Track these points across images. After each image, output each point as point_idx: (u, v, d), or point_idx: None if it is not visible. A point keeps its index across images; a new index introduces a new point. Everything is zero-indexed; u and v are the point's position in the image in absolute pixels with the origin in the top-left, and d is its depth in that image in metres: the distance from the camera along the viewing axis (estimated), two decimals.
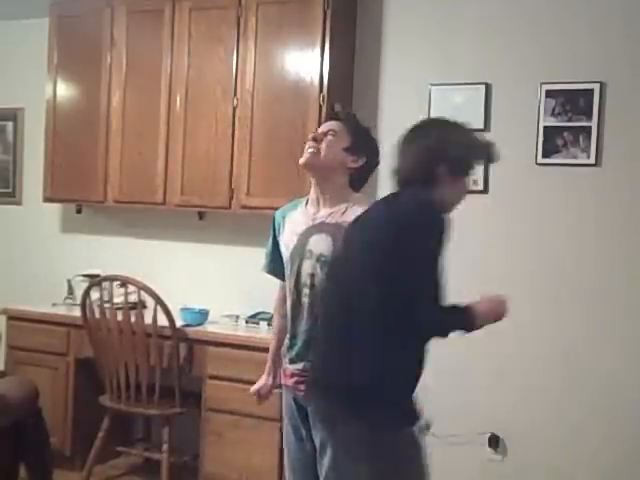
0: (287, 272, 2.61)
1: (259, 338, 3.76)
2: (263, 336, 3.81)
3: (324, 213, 2.55)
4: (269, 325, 3.97)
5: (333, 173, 2.56)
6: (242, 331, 3.94)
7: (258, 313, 4.10)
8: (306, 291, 2.51)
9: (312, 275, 2.50)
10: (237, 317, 4.12)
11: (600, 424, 3.58)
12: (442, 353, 3.84)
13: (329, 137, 2.56)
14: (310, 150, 2.56)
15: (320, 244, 2.49)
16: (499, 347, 3.77)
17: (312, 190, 2.63)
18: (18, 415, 3.42)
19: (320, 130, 2.61)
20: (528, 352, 3.72)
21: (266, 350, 3.67)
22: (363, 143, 2.61)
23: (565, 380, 3.65)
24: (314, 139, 2.57)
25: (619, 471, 3.55)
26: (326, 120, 2.70)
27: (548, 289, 3.70)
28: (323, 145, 2.55)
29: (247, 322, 4.06)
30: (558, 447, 3.65)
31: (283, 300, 2.72)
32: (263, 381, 2.87)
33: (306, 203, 2.65)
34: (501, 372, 3.76)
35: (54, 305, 4.42)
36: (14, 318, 4.35)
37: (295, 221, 2.63)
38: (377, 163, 2.67)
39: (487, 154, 2.46)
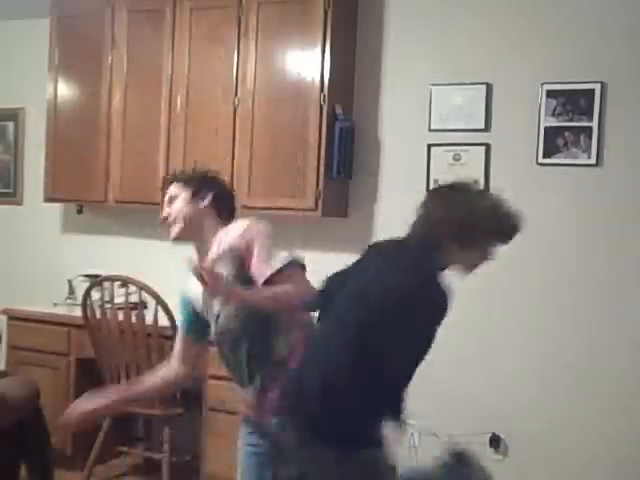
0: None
1: None
2: None
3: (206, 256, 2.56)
4: None
5: (199, 225, 2.59)
6: None
7: None
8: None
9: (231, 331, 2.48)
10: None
11: (602, 424, 3.58)
12: (443, 353, 3.86)
13: (173, 205, 2.61)
14: (170, 228, 2.61)
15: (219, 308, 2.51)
16: (500, 348, 3.77)
17: (193, 249, 2.63)
18: (19, 415, 3.42)
19: (164, 208, 2.64)
20: (529, 353, 3.71)
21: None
22: (202, 183, 2.65)
23: (566, 380, 3.64)
24: (165, 216, 2.62)
25: (621, 471, 3.55)
26: (164, 190, 2.70)
27: (549, 289, 3.69)
28: (173, 213, 2.60)
29: None
30: (559, 447, 3.65)
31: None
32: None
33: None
34: (502, 372, 3.75)
35: (55, 305, 4.42)
36: (15, 318, 4.35)
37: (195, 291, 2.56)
38: (223, 187, 2.73)
39: (506, 234, 2.30)
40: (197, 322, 2.65)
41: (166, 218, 2.63)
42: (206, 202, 2.60)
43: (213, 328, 2.56)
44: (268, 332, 2.46)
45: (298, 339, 2.44)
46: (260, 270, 2.42)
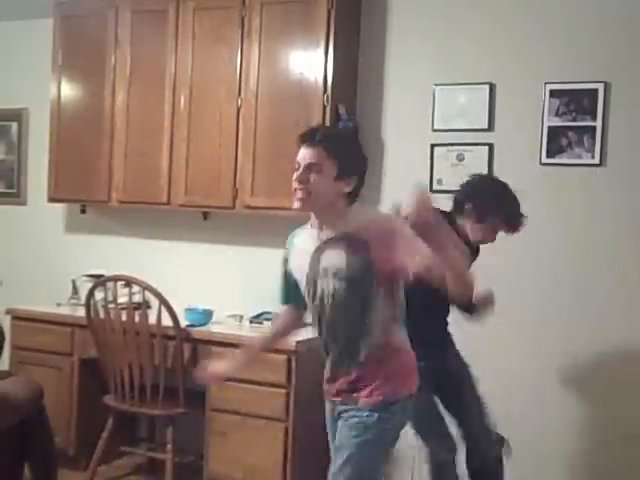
0: (306, 294, 2.58)
1: None
2: None
3: (330, 232, 2.50)
4: None
5: (330, 205, 2.48)
6: (246, 331, 3.94)
7: (262, 313, 4.10)
8: (329, 308, 2.50)
9: (332, 294, 2.47)
10: (241, 317, 4.13)
11: (606, 425, 3.57)
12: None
13: (313, 175, 2.43)
14: (300, 194, 2.45)
15: (334, 260, 2.46)
16: (503, 348, 3.76)
17: (313, 217, 2.57)
18: (23, 415, 3.43)
19: (302, 166, 2.45)
20: (532, 354, 3.71)
21: (270, 350, 3.69)
22: (350, 162, 2.49)
23: (570, 382, 3.64)
24: (300, 181, 2.44)
25: (623, 471, 3.55)
26: (301, 146, 2.49)
27: (552, 289, 3.69)
28: (311, 184, 2.43)
29: (251, 322, 4.06)
30: (563, 447, 3.65)
31: (288, 324, 2.85)
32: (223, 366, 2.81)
33: (311, 226, 2.61)
34: (504, 373, 3.75)
35: (58, 305, 4.43)
36: (18, 318, 4.35)
37: (303, 244, 2.60)
38: (366, 169, 2.58)
39: (512, 221, 3.17)
40: (297, 292, 2.63)
41: (301, 183, 2.44)
42: (350, 189, 2.47)
43: (306, 293, 2.56)
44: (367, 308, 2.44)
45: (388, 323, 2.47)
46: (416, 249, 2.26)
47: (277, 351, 3.66)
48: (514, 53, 3.76)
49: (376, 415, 2.45)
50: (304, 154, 2.46)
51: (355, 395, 2.49)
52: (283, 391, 3.67)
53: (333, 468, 2.50)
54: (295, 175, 2.46)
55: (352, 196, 2.50)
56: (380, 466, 2.55)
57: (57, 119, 4.61)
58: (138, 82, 4.38)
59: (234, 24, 4.07)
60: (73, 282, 4.50)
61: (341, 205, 2.49)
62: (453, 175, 3.85)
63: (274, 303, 4.11)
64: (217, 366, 2.80)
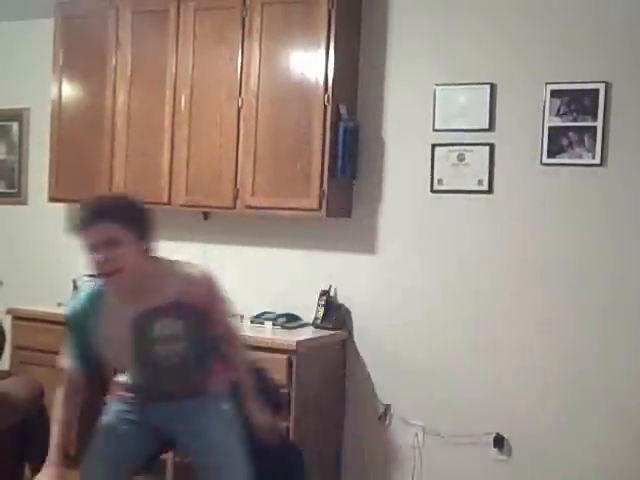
0: (130, 360, 2.60)
1: (264, 338, 3.76)
2: (268, 336, 3.82)
3: (148, 297, 2.49)
4: (274, 325, 3.99)
5: (140, 271, 2.45)
6: (247, 331, 3.92)
7: (263, 313, 4.11)
8: (169, 368, 2.59)
9: (171, 355, 2.56)
10: (242, 317, 4.11)
11: (606, 424, 3.57)
12: (448, 354, 3.86)
13: (115, 250, 2.35)
14: (110, 274, 2.38)
15: (169, 327, 2.52)
16: (505, 348, 3.77)
17: (118, 288, 2.50)
18: (23, 415, 3.42)
19: (99, 245, 2.35)
20: (533, 352, 3.71)
21: (270, 350, 3.70)
22: (141, 222, 2.48)
23: (570, 380, 3.64)
24: (105, 261, 2.35)
25: (625, 470, 3.54)
26: (88, 223, 2.38)
27: (553, 289, 3.69)
28: (119, 259, 2.36)
29: (252, 322, 4.07)
30: (563, 448, 3.64)
31: (75, 389, 2.71)
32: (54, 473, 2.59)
33: (113, 293, 2.52)
34: (506, 372, 3.75)
35: (59, 305, 4.42)
36: (19, 318, 4.35)
37: (118, 310, 2.51)
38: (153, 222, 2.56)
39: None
40: (90, 355, 2.59)
41: (107, 262, 2.35)
42: (151, 244, 2.48)
43: (141, 357, 2.56)
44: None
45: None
46: (229, 327, 2.76)
47: (277, 351, 3.68)
48: (515, 53, 3.76)
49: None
50: (95, 233, 2.36)
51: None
52: (284, 391, 3.66)
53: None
54: (97, 257, 2.35)
55: (147, 251, 2.49)
56: None
57: (58, 119, 4.61)
58: (139, 82, 4.38)
59: (235, 24, 4.07)
60: (74, 282, 4.49)
61: (147, 266, 2.48)
62: (454, 175, 3.86)
63: (274, 303, 4.16)
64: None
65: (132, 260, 2.40)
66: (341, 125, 3.88)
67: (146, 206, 2.57)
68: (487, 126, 3.80)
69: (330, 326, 4.00)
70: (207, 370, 2.70)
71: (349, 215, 4.09)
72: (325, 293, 4.05)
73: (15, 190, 5.16)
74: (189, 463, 4.00)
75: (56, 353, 4.21)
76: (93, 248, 2.36)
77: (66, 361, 2.68)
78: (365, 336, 4.06)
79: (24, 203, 5.13)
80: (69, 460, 4.07)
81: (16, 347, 4.33)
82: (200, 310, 2.55)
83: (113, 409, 2.80)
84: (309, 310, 4.07)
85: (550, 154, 3.68)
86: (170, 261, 2.60)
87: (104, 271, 2.38)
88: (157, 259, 2.56)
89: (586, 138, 3.60)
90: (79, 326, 2.58)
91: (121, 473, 2.70)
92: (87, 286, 2.65)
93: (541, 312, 3.70)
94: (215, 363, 2.73)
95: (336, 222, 4.08)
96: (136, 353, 2.57)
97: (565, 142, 3.65)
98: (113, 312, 2.52)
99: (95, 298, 2.55)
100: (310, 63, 3.89)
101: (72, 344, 2.65)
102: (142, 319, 2.50)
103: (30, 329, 4.30)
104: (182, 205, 4.26)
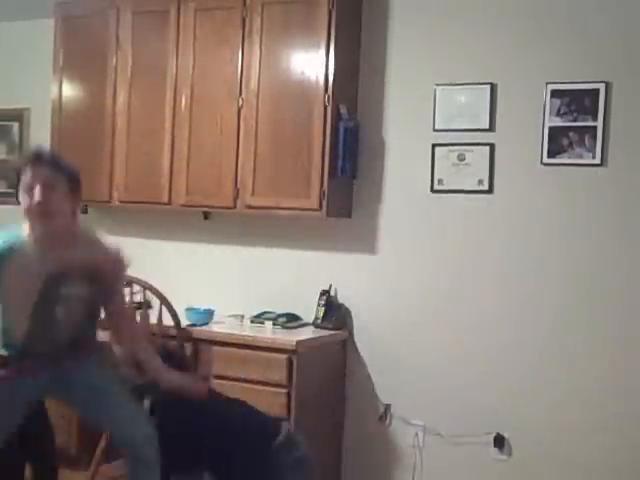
0: (24, 314, 2.63)
1: (264, 338, 3.76)
2: (268, 336, 3.82)
3: (63, 254, 2.62)
4: (274, 325, 3.99)
5: (66, 223, 2.63)
6: (247, 331, 3.94)
7: (263, 313, 4.11)
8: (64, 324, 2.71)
9: (68, 313, 2.70)
10: (242, 317, 4.13)
11: (606, 423, 3.57)
12: (449, 354, 3.86)
13: (51, 194, 2.54)
14: (43, 218, 2.55)
15: (74, 288, 2.67)
16: (505, 348, 3.77)
17: (38, 234, 2.61)
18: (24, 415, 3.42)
19: (38, 186, 2.54)
20: (533, 352, 3.71)
21: (271, 350, 3.70)
22: (77, 179, 2.67)
23: (571, 380, 3.64)
24: (42, 201, 2.53)
25: (626, 470, 3.54)
26: (29, 165, 2.60)
27: (555, 289, 3.69)
28: (52, 206, 2.55)
29: (252, 322, 4.07)
30: (563, 447, 3.65)
31: None
32: None
33: (31, 241, 2.63)
34: (506, 372, 3.75)
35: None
36: None
37: (26, 261, 2.59)
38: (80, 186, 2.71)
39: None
40: None
41: (41, 204, 2.53)
42: (79, 202, 2.68)
43: (41, 308, 2.63)
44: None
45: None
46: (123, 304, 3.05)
47: (277, 351, 3.68)
48: (515, 53, 3.76)
49: None
50: (35, 175, 2.54)
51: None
52: (284, 390, 3.67)
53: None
54: (33, 199, 2.53)
55: (75, 215, 2.69)
56: None
57: (58, 119, 4.62)
58: (139, 82, 4.38)
59: (235, 25, 4.07)
60: None
61: (73, 224, 2.69)
62: (454, 175, 3.86)
63: (275, 303, 4.16)
64: None
65: (63, 209, 2.58)
66: (341, 125, 3.89)
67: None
68: (487, 126, 3.80)
69: (330, 326, 4.01)
70: (91, 337, 2.88)
71: (349, 215, 4.10)
72: (325, 293, 4.05)
73: (15, 190, 5.15)
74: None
75: None
76: (30, 189, 2.54)
77: None
78: (365, 336, 4.07)
79: None
80: (70, 459, 4.11)
81: None
82: (107, 282, 2.74)
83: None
84: (309, 310, 4.07)
85: (550, 154, 3.68)
86: (90, 231, 2.88)
87: (37, 211, 2.53)
88: (79, 226, 2.77)
89: (586, 138, 3.61)
90: None
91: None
92: (6, 232, 2.69)
93: (541, 312, 3.70)
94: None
95: (336, 222, 4.08)
96: (36, 308, 2.63)
97: (565, 142, 3.65)
98: (24, 262, 2.58)
99: (11, 245, 2.61)
100: (310, 63, 3.89)
101: None
102: (55, 276, 2.61)
103: None
104: (182, 205, 4.26)
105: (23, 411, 2.84)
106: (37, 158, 2.61)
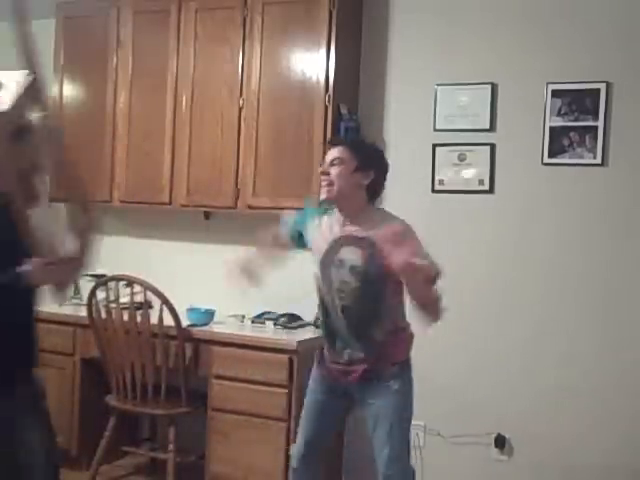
0: (318, 273, 2.91)
1: (265, 338, 3.77)
2: (269, 336, 3.82)
3: (352, 228, 2.81)
4: (275, 325, 3.99)
5: (351, 196, 2.80)
6: (248, 331, 3.95)
7: (264, 313, 4.11)
8: (341, 295, 2.83)
9: (345, 282, 2.80)
10: (243, 317, 4.13)
11: (607, 423, 3.57)
12: (449, 355, 3.86)
13: (336, 167, 2.79)
14: (325, 185, 2.80)
15: (352, 255, 2.78)
16: (506, 348, 3.77)
17: (337, 211, 2.86)
18: None
19: (327, 161, 2.83)
20: (534, 352, 3.71)
21: (271, 350, 3.71)
22: (369, 158, 2.84)
23: (571, 380, 3.64)
24: (324, 173, 2.81)
25: (626, 470, 3.54)
26: (329, 148, 2.92)
27: (554, 288, 3.69)
28: (333, 176, 2.78)
29: (253, 322, 4.07)
30: (564, 447, 3.65)
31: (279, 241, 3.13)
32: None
33: (337, 217, 2.89)
34: (507, 372, 3.75)
35: (60, 305, 4.41)
36: None
37: (328, 226, 2.89)
38: (386, 169, 2.92)
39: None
40: (301, 238, 3.02)
41: (326, 174, 2.79)
42: (367, 181, 2.80)
43: (319, 273, 2.88)
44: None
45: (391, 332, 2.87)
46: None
47: (278, 351, 3.68)
48: (516, 53, 3.76)
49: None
50: (330, 153, 2.85)
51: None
52: (285, 391, 3.67)
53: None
54: (320, 170, 2.86)
55: (372, 192, 2.83)
56: None
57: (59, 119, 4.61)
58: (140, 82, 4.38)
59: (236, 24, 4.08)
60: (75, 282, 4.49)
61: (361, 199, 2.81)
62: (455, 175, 3.86)
63: (276, 303, 4.16)
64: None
65: (343, 182, 2.77)
66: (342, 125, 3.88)
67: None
68: (488, 126, 3.80)
69: None
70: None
71: None
72: None
73: None
74: (189, 463, 4.03)
75: (57, 353, 4.25)
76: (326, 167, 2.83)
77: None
78: None
79: None
80: (71, 460, 4.11)
81: None
82: (385, 262, 2.66)
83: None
84: (310, 310, 4.06)
85: (551, 154, 3.68)
86: (386, 213, 2.92)
87: (322, 180, 2.81)
88: (377, 208, 2.94)
89: (587, 138, 3.60)
90: (299, 220, 3.04)
91: None
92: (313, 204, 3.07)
93: (542, 312, 3.70)
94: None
95: None
96: (321, 269, 2.88)
97: (566, 142, 3.65)
98: (326, 227, 2.90)
99: (324, 212, 2.95)
100: (311, 63, 3.89)
101: (293, 220, 3.07)
102: (337, 240, 2.82)
103: None
104: (183, 205, 4.27)
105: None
106: (333, 141, 3.08)
